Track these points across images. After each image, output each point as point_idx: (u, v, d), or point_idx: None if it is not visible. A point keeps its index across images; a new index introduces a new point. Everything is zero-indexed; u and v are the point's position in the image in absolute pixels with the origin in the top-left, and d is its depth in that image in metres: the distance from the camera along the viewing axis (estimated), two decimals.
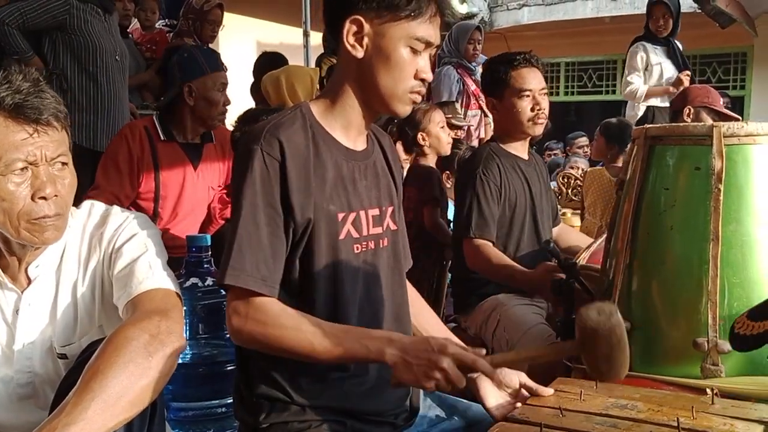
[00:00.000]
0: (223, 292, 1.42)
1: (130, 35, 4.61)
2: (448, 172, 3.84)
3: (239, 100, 4.21)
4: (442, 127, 3.58)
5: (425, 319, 1.66)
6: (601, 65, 10.30)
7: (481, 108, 4.98)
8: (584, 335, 1.19)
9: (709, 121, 3.50)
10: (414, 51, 1.42)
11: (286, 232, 1.38)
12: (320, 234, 1.40)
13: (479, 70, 4.90)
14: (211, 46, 4.38)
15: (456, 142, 3.96)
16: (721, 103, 3.89)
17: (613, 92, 10.09)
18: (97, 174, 2.78)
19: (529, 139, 2.64)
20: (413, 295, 1.66)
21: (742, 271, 1.55)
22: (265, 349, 1.37)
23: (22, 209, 1.28)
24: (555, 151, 7.89)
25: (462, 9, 8.67)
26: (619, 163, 4.26)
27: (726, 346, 1.49)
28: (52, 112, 1.28)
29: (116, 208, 1.48)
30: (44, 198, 1.29)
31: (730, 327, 1.13)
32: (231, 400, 1.67)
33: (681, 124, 3.25)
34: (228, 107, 2.92)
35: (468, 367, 1.28)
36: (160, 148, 2.82)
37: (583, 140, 7.27)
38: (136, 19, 4.78)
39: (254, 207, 1.35)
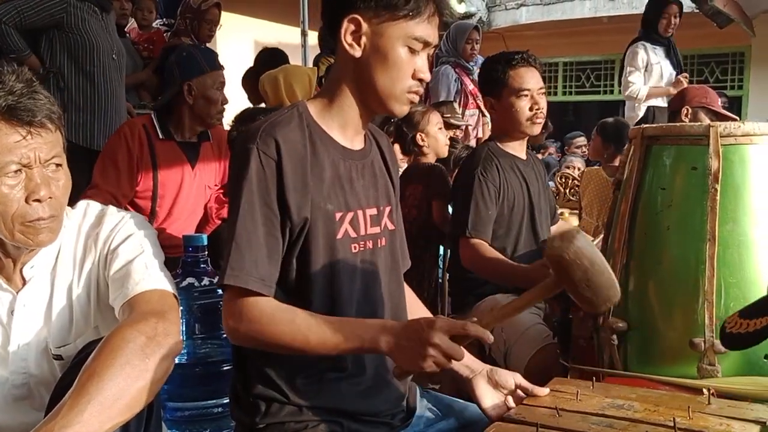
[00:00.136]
0: (220, 292, 1.42)
1: (128, 35, 4.61)
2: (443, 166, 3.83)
3: (237, 99, 4.21)
4: (440, 129, 3.58)
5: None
6: (599, 65, 10.31)
7: (479, 107, 4.99)
8: (555, 267, 1.14)
9: (706, 121, 3.50)
10: (412, 51, 1.41)
11: (283, 232, 1.38)
12: (317, 233, 1.40)
13: (477, 69, 4.91)
14: (208, 45, 4.37)
15: (452, 141, 3.96)
16: (719, 103, 3.89)
17: (611, 92, 10.10)
18: (95, 173, 2.78)
19: (527, 138, 2.64)
20: (410, 296, 1.66)
21: (738, 271, 1.55)
22: (262, 346, 1.36)
23: (16, 212, 1.28)
24: (550, 150, 7.89)
25: (460, 9, 8.67)
26: (616, 163, 4.25)
27: (722, 346, 1.49)
28: (46, 114, 1.27)
29: (112, 208, 1.48)
30: (38, 200, 1.28)
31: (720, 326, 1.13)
32: (227, 400, 1.66)
33: (678, 123, 3.26)
34: (226, 106, 2.93)
35: (461, 337, 1.27)
36: (158, 146, 2.82)
37: (581, 140, 7.28)
38: (133, 19, 4.78)
39: (251, 206, 1.35)
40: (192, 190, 2.93)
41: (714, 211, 1.54)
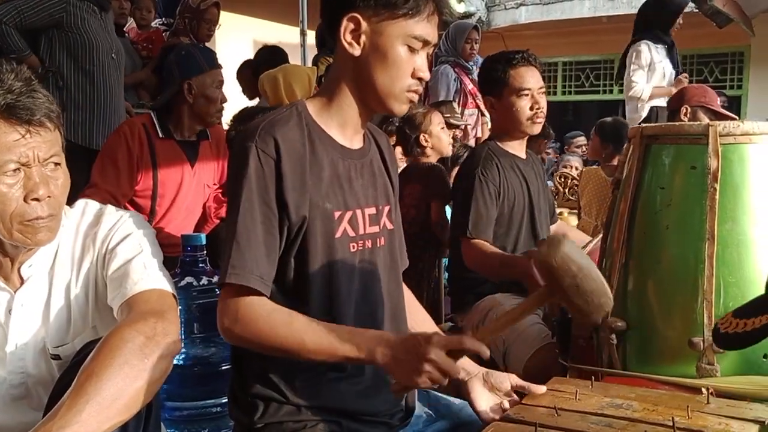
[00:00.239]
0: (219, 291, 1.41)
1: (126, 34, 4.60)
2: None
3: (235, 98, 4.21)
4: (443, 128, 3.59)
5: (418, 324, 1.66)
6: (599, 65, 10.31)
7: (478, 107, 4.98)
8: (545, 275, 1.13)
9: (705, 120, 3.49)
10: (411, 49, 1.41)
11: (281, 230, 1.37)
12: (315, 232, 1.39)
13: (476, 69, 4.91)
14: (207, 45, 4.37)
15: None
16: (718, 102, 3.89)
17: (611, 92, 10.10)
18: (94, 172, 2.78)
19: (526, 138, 2.64)
20: (408, 296, 1.66)
21: (737, 270, 1.55)
22: (256, 347, 1.36)
23: (14, 211, 1.27)
24: (547, 150, 7.88)
25: (460, 8, 8.67)
26: (615, 163, 4.25)
27: None
28: (45, 113, 1.27)
29: (110, 208, 1.47)
30: (37, 199, 1.28)
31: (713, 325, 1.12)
32: (226, 400, 1.66)
33: (677, 123, 3.25)
34: (224, 105, 2.93)
35: (457, 352, 1.27)
36: (158, 145, 2.83)
37: (581, 140, 7.28)
38: (131, 18, 4.77)
39: (250, 204, 1.35)
40: (191, 189, 2.93)
41: (713, 211, 1.54)
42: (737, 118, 4.81)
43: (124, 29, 4.60)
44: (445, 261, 3.43)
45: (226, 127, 3.07)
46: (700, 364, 1.53)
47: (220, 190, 3.01)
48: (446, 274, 3.39)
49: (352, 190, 1.46)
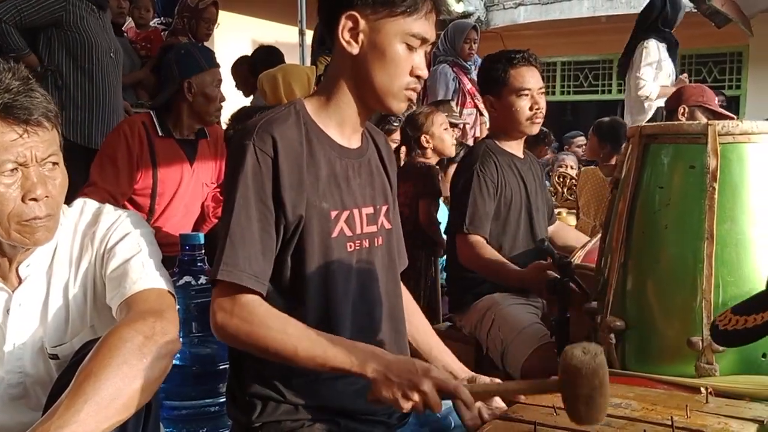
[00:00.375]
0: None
1: (125, 33, 4.60)
2: (437, 166, 3.83)
3: (234, 98, 4.21)
4: (446, 129, 3.58)
5: (414, 326, 1.66)
6: (597, 65, 10.31)
7: (476, 107, 4.98)
8: (567, 373, 1.16)
9: (704, 120, 3.49)
10: (410, 47, 1.41)
11: (277, 229, 1.37)
12: (312, 231, 1.39)
13: (474, 69, 4.90)
14: (206, 44, 4.37)
15: None
16: (716, 102, 3.89)
17: (609, 92, 10.11)
18: (92, 171, 2.78)
19: (524, 138, 2.64)
20: (406, 297, 1.66)
21: (736, 269, 1.55)
22: (247, 348, 1.35)
23: (12, 211, 1.27)
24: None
25: (458, 8, 8.67)
26: (612, 162, 4.25)
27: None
28: (42, 112, 1.26)
29: (109, 207, 1.47)
30: (35, 199, 1.27)
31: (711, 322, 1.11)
32: (224, 399, 1.66)
33: (676, 122, 3.25)
34: (222, 104, 2.93)
35: (448, 394, 1.27)
36: (157, 143, 2.83)
37: (581, 139, 7.27)
38: (130, 18, 4.77)
39: (246, 201, 1.34)
40: (189, 188, 2.94)
41: (712, 210, 1.53)
42: (735, 117, 4.81)
43: (123, 28, 4.59)
44: (442, 261, 3.43)
45: (224, 126, 3.07)
46: (699, 364, 1.52)
47: (219, 190, 3.02)
48: (444, 274, 3.39)
49: (349, 189, 1.46)
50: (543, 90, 2.53)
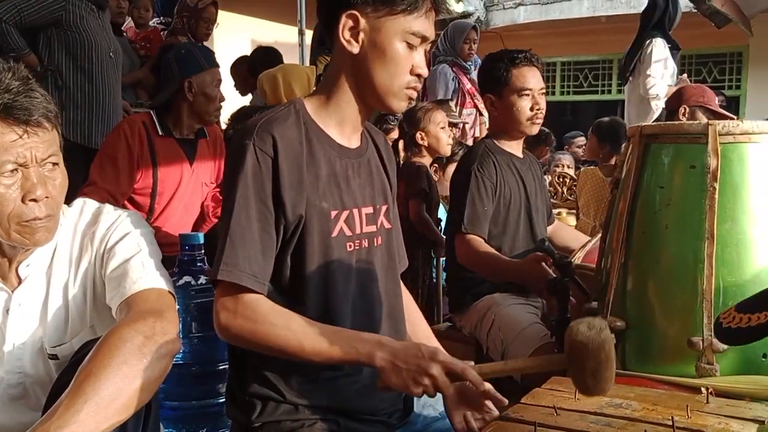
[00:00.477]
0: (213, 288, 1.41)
1: (125, 33, 4.60)
2: (436, 165, 3.83)
3: (233, 98, 4.21)
4: (443, 128, 3.57)
5: (413, 326, 1.65)
6: (597, 65, 10.31)
7: (476, 107, 4.98)
8: (573, 349, 1.17)
9: (704, 120, 3.49)
10: (410, 46, 1.41)
11: (277, 229, 1.37)
12: (312, 231, 1.39)
13: (474, 69, 4.90)
14: (205, 44, 4.37)
15: None
16: (716, 102, 3.89)
17: (609, 92, 10.11)
18: (92, 170, 2.78)
19: (524, 138, 2.64)
20: (406, 297, 1.66)
21: (737, 269, 1.55)
22: (252, 346, 1.36)
23: (12, 211, 1.26)
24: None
25: (458, 8, 8.67)
26: (612, 163, 4.25)
27: (721, 345, 1.49)
28: (42, 113, 1.26)
29: (108, 207, 1.46)
30: (35, 200, 1.27)
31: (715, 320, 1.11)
32: (224, 399, 1.66)
33: (676, 122, 3.25)
34: (222, 104, 2.93)
35: (457, 376, 1.27)
36: (157, 143, 2.83)
37: (581, 140, 7.27)
38: (129, 17, 4.77)
39: (246, 201, 1.34)
40: (189, 187, 2.94)
41: (712, 210, 1.53)
42: (736, 118, 4.81)
43: (122, 28, 4.60)
44: (443, 261, 3.43)
45: (224, 126, 3.07)
46: (700, 364, 1.52)
47: (218, 189, 3.02)
48: (444, 274, 3.39)
49: (349, 189, 1.46)
50: (544, 90, 2.54)
